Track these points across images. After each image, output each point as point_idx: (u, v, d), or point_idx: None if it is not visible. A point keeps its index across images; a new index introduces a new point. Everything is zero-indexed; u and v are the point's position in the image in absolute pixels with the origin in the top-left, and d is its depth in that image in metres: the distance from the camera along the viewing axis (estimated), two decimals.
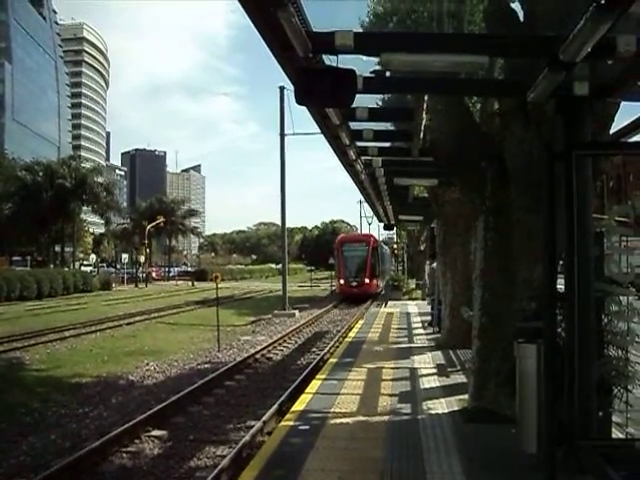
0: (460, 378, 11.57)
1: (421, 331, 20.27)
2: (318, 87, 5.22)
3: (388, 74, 6.90)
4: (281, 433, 8.08)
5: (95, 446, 9.15)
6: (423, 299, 34.15)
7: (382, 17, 19.16)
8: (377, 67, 6.76)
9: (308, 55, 5.46)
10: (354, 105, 8.12)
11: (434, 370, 12.64)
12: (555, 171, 5.21)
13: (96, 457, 8.87)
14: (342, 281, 45.55)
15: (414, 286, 48.73)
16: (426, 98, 7.95)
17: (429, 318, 21.95)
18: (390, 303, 34.03)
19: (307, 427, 8.29)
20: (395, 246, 68.14)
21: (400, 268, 69.41)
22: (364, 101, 8.75)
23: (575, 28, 4.61)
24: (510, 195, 8.22)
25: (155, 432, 10.52)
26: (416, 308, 29.93)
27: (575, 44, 4.77)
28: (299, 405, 9.64)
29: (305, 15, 4.92)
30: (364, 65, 6.89)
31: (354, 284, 44.35)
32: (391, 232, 61.06)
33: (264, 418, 10.96)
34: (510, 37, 6.13)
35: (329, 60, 6.08)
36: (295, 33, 4.77)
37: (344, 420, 8.66)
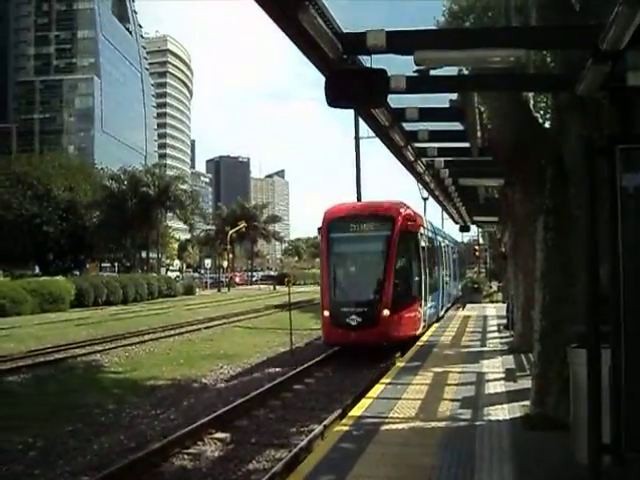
0: (528, 383, 11.06)
1: (495, 334, 19.80)
2: (349, 88, 5.14)
3: (432, 73, 6.76)
4: (334, 438, 8.02)
5: (156, 447, 9.36)
6: (504, 302, 33.38)
7: (458, 16, 18.95)
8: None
9: (341, 56, 5.40)
10: (404, 105, 8.04)
11: (502, 375, 12.30)
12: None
13: (156, 458, 9.05)
14: (327, 313, 19.40)
15: (496, 289, 47.69)
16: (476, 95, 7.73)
17: (506, 321, 21.43)
18: (468, 306, 33.42)
19: (361, 432, 8.20)
20: (477, 247, 66.79)
21: (483, 270, 68.28)
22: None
23: (612, 15, 4.38)
24: (569, 194, 7.91)
25: (218, 434, 10.65)
26: (494, 311, 29.23)
27: (614, 32, 4.54)
28: (357, 410, 9.55)
29: (331, 16, 4.86)
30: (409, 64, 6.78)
31: (354, 322, 18.55)
32: (468, 233, 58.31)
33: (325, 422, 10.93)
34: (547, 29, 5.89)
35: (371, 61, 6.01)
36: (320, 34, 4.72)
37: (400, 426, 8.52)
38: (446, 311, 29.45)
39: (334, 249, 20.14)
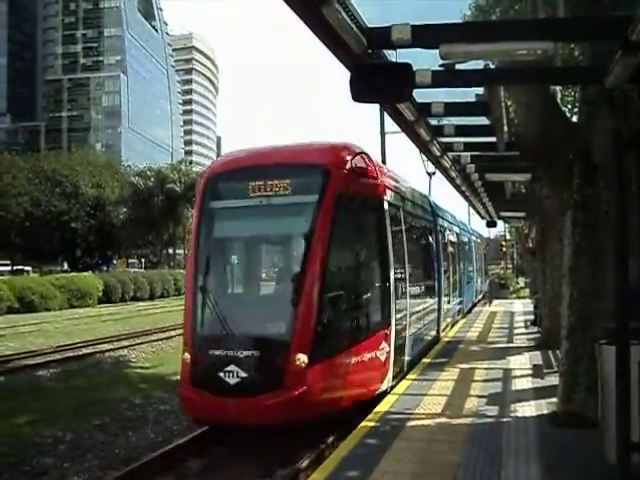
0: (555, 380, 10.95)
1: (522, 330, 19.69)
2: (374, 83, 5.11)
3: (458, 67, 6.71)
4: (359, 434, 8.00)
5: (183, 441, 9.42)
6: (531, 298, 33.12)
7: (485, 9, 18.79)
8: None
9: (366, 51, 5.38)
10: (430, 100, 7.98)
11: (529, 371, 12.19)
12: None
13: (182, 452, 9.12)
14: (187, 356, 8.83)
15: (523, 284, 47.32)
16: (503, 90, 7.66)
17: (533, 317, 21.28)
18: (495, 302, 33.16)
19: (386, 428, 8.17)
20: (504, 243, 66.28)
21: (510, 266, 67.85)
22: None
23: None
24: (598, 188, 7.81)
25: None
26: (521, 307, 29.08)
27: None
28: (382, 406, 9.51)
29: (355, 10, 4.84)
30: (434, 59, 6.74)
31: (233, 378, 8.20)
32: (495, 229, 57.34)
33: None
34: (575, 20, 5.81)
35: (396, 56, 5.97)
36: (345, 29, 4.71)
37: (425, 422, 8.49)
38: (453, 324, 21.05)
39: (210, 231, 10.21)
